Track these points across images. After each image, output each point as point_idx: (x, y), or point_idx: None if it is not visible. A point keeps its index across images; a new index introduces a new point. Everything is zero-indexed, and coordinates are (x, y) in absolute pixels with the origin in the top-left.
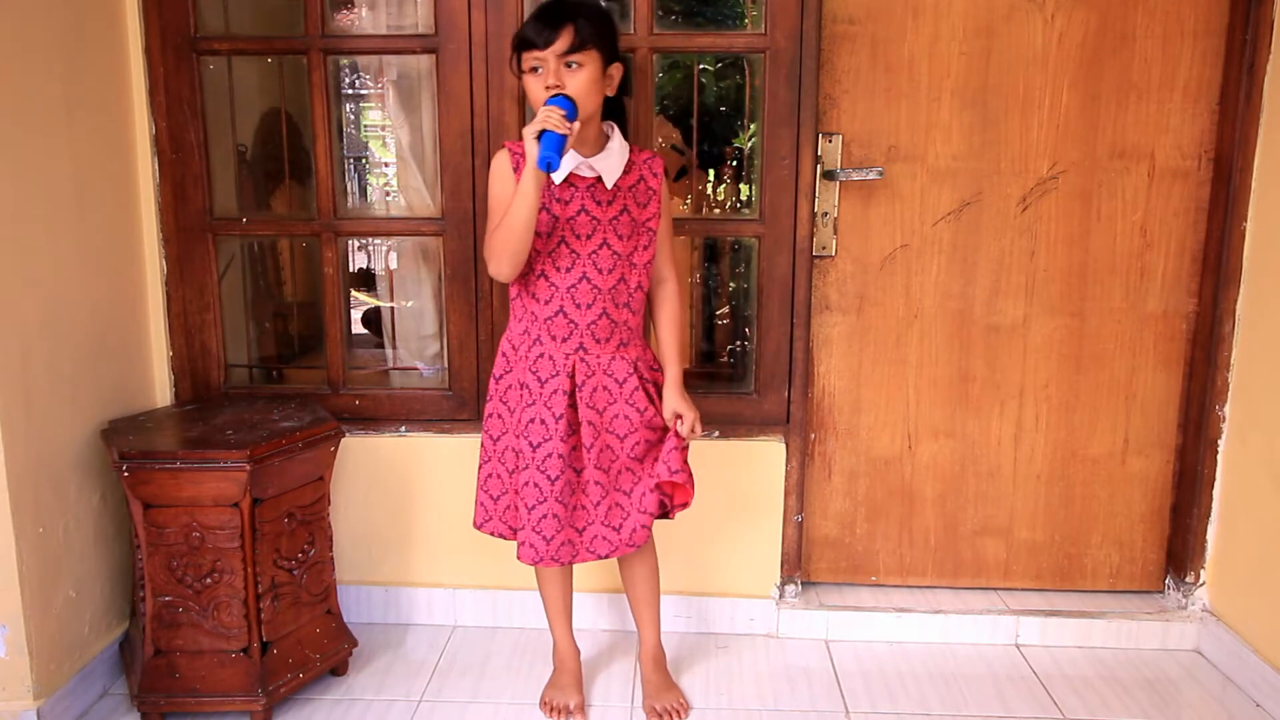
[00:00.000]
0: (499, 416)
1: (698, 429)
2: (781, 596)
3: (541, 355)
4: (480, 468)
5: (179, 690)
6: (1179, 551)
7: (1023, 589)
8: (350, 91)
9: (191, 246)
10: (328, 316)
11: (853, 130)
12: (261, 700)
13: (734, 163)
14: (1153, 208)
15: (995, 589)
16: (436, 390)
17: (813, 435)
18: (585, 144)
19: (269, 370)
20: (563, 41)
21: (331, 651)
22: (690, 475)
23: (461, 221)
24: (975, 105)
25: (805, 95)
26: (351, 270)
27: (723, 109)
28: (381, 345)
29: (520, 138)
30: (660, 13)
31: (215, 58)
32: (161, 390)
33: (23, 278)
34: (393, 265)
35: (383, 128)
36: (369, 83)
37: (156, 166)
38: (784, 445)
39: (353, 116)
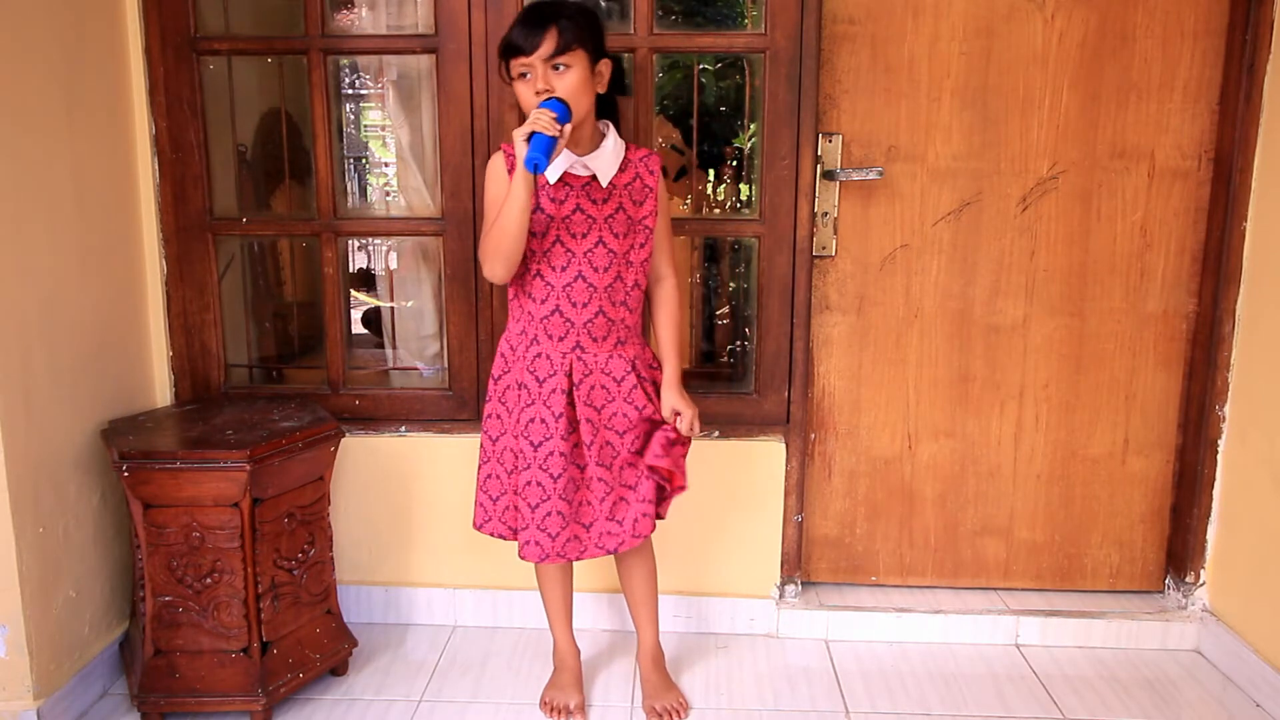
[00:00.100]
0: (498, 417)
1: (696, 426)
2: (781, 596)
3: (539, 355)
4: (480, 468)
5: (179, 690)
6: (1179, 551)
7: (1023, 589)
8: (350, 91)
9: (191, 246)
10: (328, 316)
11: (853, 130)
12: (261, 700)
13: (734, 163)
14: (1153, 208)
15: (995, 589)
16: (436, 390)
17: (813, 435)
18: (580, 143)
19: (269, 370)
20: (547, 45)
21: (331, 651)
22: (675, 460)
23: (461, 222)
24: (975, 105)
25: (805, 95)
26: (351, 270)
27: (722, 109)
28: (381, 345)
29: None
30: (660, 13)
31: (215, 58)
32: (161, 390)
33: (22, 277)
34: (393, 265)
35: (383, 128)
36: (369, 83)
37: (156, 166)
38: (784, 445)
39: (353, 116)
